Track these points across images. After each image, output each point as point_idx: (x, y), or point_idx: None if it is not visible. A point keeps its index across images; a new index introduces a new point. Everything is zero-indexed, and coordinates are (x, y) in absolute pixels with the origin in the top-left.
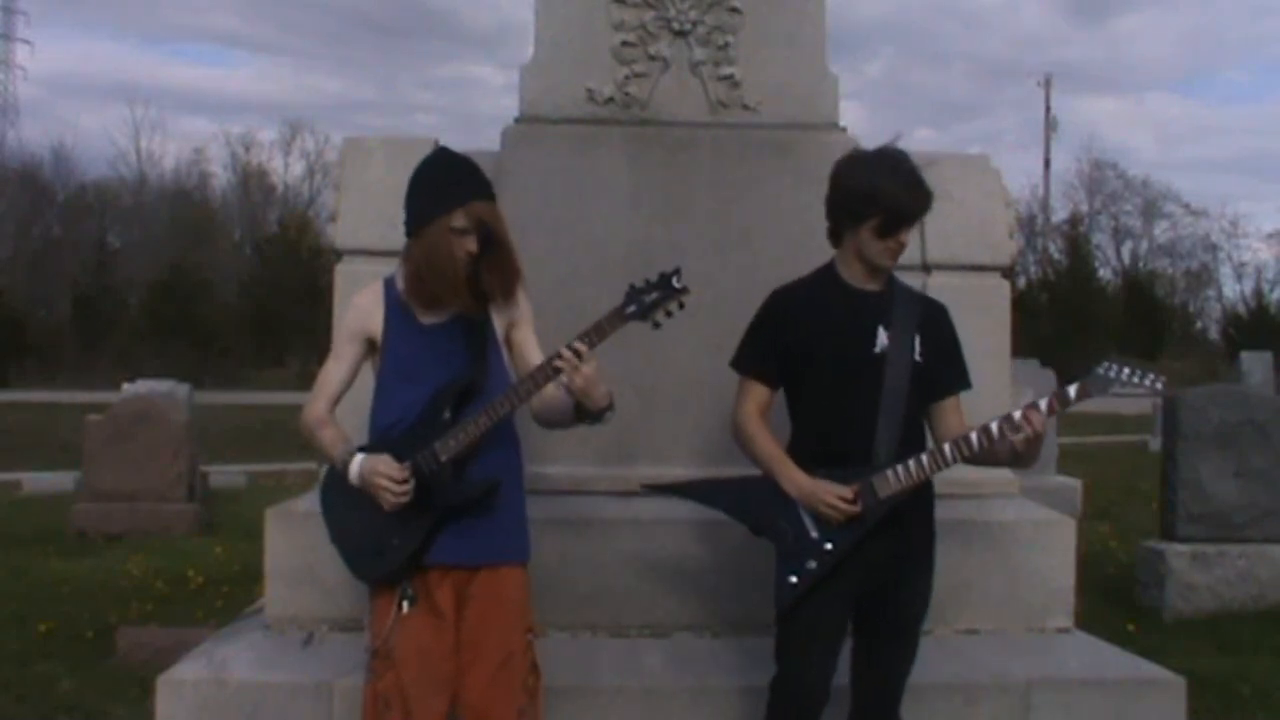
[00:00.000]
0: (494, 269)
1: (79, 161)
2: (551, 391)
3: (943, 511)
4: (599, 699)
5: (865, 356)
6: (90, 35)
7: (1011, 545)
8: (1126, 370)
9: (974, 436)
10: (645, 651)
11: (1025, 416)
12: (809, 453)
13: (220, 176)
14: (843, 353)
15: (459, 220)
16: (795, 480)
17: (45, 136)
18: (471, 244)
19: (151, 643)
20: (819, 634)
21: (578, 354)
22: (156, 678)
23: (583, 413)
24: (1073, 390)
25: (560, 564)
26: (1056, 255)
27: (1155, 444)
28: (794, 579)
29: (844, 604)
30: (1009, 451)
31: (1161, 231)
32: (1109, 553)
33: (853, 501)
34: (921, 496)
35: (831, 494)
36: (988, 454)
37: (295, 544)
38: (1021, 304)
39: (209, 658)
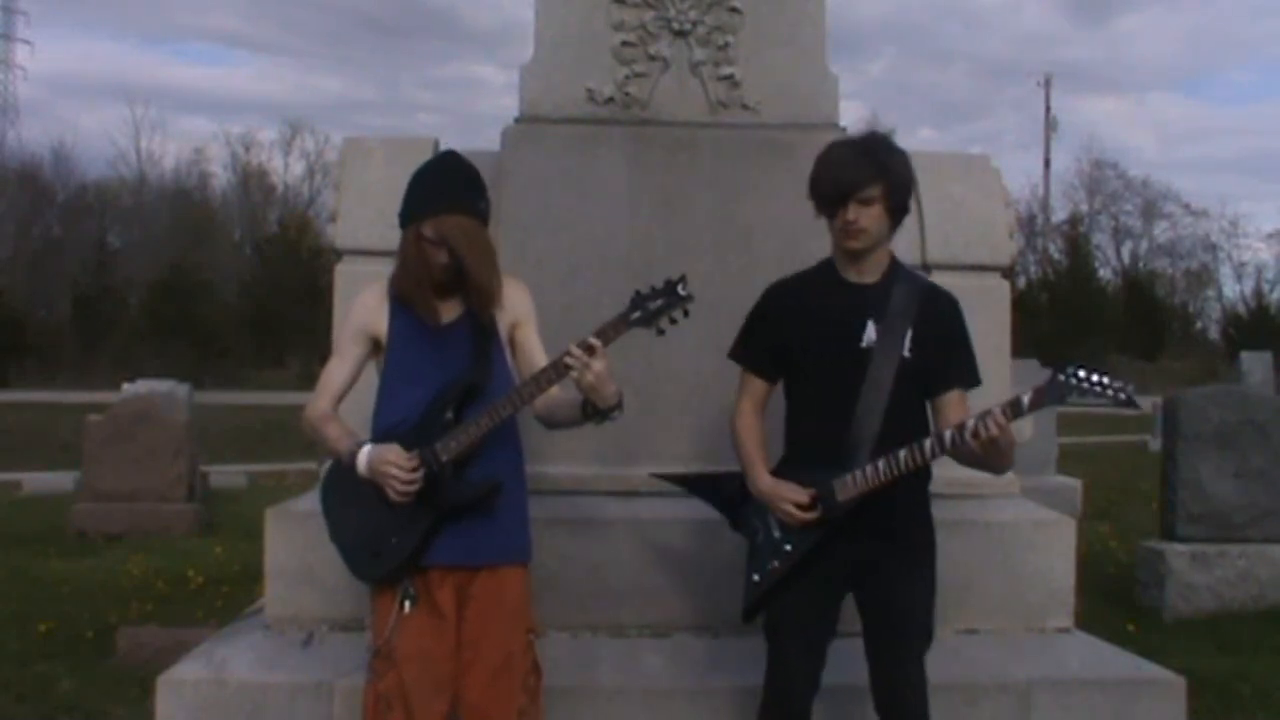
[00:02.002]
0: (468, 283)
1: (79, 161)
2: (557, 391)
3: (943, 512)
4: (599, 699)
5: (850, 351)
6: (90, 35)
7: (1011, 545)
8: (1094, 377)
9: (928, 443)
10: (645, 651)
11: (976, 426)
12: (796, 449)
13: (220, 176)
14: (830, 347)
15: (428, 230)
16: (758, 481)
17: (45, 136)
18: (442, 256)
19: (151, 643)
20: (796, 629)
21: (590, 349)
22: (156, 678)
23: (590, 411)
24: (1026, 398)
25: (560, 564)
26: (1056, 255)
27: (1155, 444)
28: (756, 577)
29: (824, 601)
30: (972, 454)
31: (1161, 231)
32: (1109, 553)
33: (810, 506)
34: (910, 500)
35: (787, 500)
36: (958, 455)
37: (295, 544)
38: (1021, 304)
39: (209, 658)
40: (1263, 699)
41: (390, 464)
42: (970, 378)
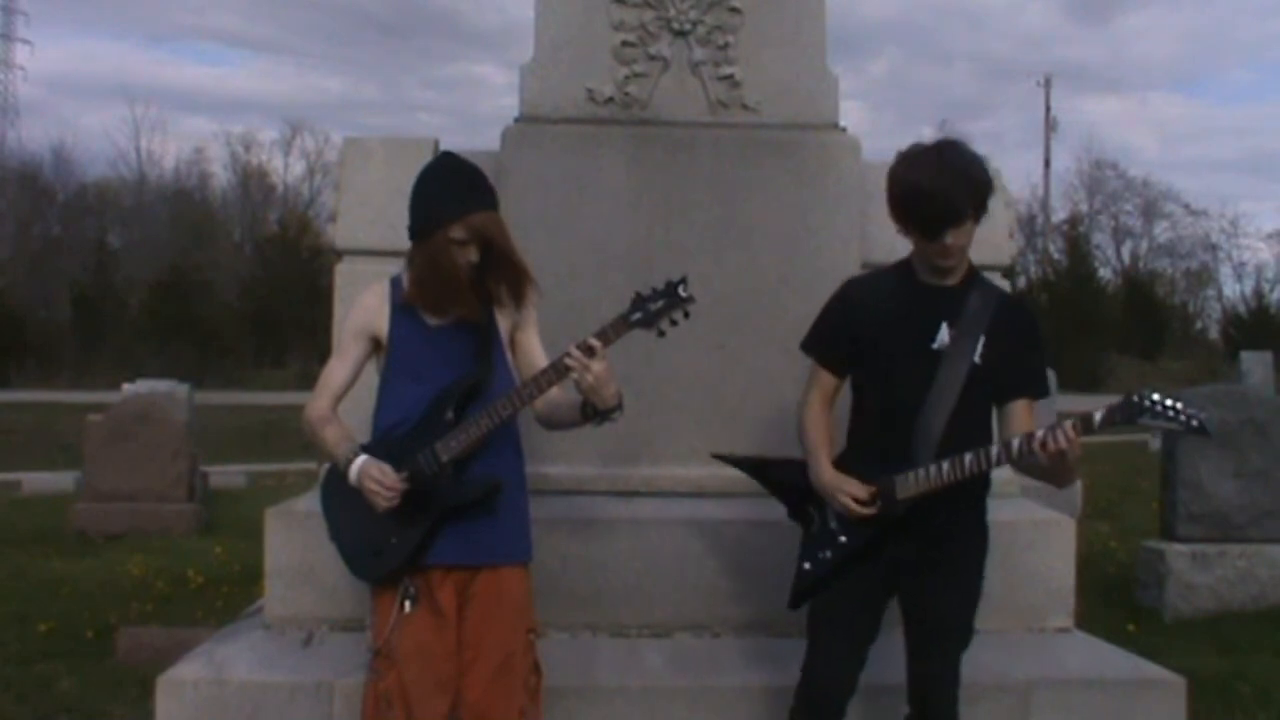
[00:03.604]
0: (500, 276)
1: (79, 161)
2: (557, 392)
3: None
4: (599, 699)
5: (922, 352)
6: (90, 35)
7: (1011, 545)
8: (1168, 401)
9: (994, 450)
10: (645, 651)
11: (1045, 438)
12: (858, 445)
13: (220, 176)
14: (900, 347)
15: (458, 232)
16: (820, 473)
17: (45, 136)
18: (473, 254)
19: (151, 643)
20: (837, 626)
21: (590, 351)
22: (156, 678)
23: (590, 412)
24: (1098, 415)
25: (560, 564)
26: (1056, 255)
27: (1155, 444)
28: (807, 565)
29: (869, 600)
30: (1037, 465)
31: (1161, 231)
32: (1109, 553)
33: (869, 501)
34: (963, 501)
35: (848, 490)
36: (1023, 465)
37: (295, 544)
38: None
39: (209, 658)
40: (1263, 699)
41: (371, 478)
42: (1039, 388)
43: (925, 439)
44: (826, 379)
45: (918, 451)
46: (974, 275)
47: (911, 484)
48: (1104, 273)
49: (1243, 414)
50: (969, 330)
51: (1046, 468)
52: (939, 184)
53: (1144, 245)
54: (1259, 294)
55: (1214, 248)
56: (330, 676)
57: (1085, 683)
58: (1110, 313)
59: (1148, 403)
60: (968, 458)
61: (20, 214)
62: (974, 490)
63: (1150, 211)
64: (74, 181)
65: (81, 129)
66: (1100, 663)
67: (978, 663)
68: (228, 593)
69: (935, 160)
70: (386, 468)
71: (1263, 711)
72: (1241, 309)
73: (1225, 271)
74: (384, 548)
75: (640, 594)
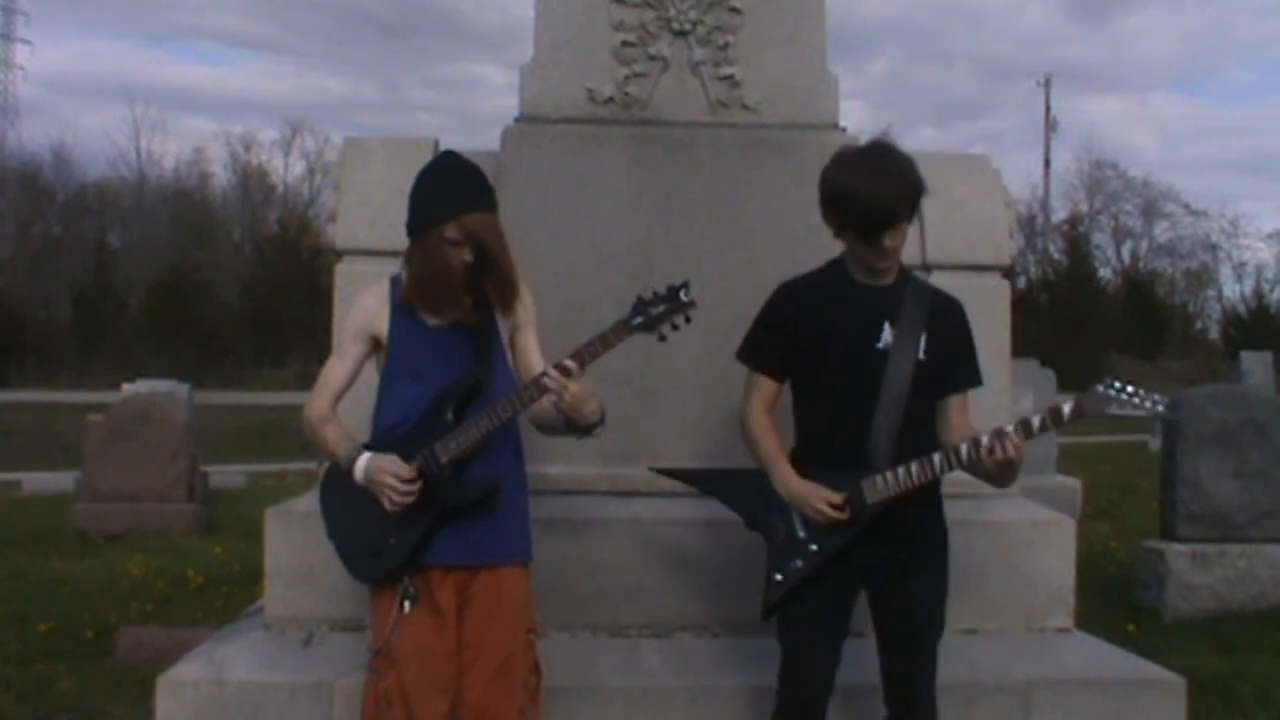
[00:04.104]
0: (490, 280)
1: (79, 161)
2: (543, 404)
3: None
4: (599, 699)
5: (869, 353)
6: (90, 35)
7: (1011, 545)
8: (1129, 390)
9: (964, 448)
10: (645, 651)
11: (996, 441)
12: (809, 450)
13: (220, 176)
14: (848, 349)
15: (452, 232)
16: (787, 482)
17: (45, 136)
18: (466, 255)
19: (151, 643)
20: (812, 629)
21: (566, 372)
22: (156, 678)
23: (572, 426)
24: (1067, 407)
25: (561, 564)
26: (1056, 255)
27: (1155, 444)
28: (779, 577)
29: (840, 601)
30: (983, 468)
31: (1161, 231)
32: (1109, 553)
33: (841, 507)
34: (925, 500)
35: (819, 500)
36: (975, 466)
37: (295, 544)
38: (1022, 304)
39: (209, 658)
40: (1263, 699)
41: (387, 473)
42: (974, 379)
43: (881, 440)
44: (767, 385)
45: (875, 453)
46: (905, 273)
47: (881, 487)
48: (1104, 273)
49: (1243, 414)
50: (910, 328)
51: (991, 472)
52: (875, 188)
53: (1144, 245)
54: (1259, 294)
55: (1214, 248)
56: (330, 676)
57: (1085, 683)
58: (1110, 313)
59: (1111, 390)
60: (937, 458)
61: (20, 214)
62: (933, 487)
63: (1150, 211)
64: (74, 181)
65: (81, 129)
66: (1100, 663)
67: (978, 663)
68: (228, 593)
69: (870, 164)
70: (395, 458)
71: (1263, 711)
72: (1241, 309)
73: (1225, 272)
74: (383, 548)
75: (640, 594)
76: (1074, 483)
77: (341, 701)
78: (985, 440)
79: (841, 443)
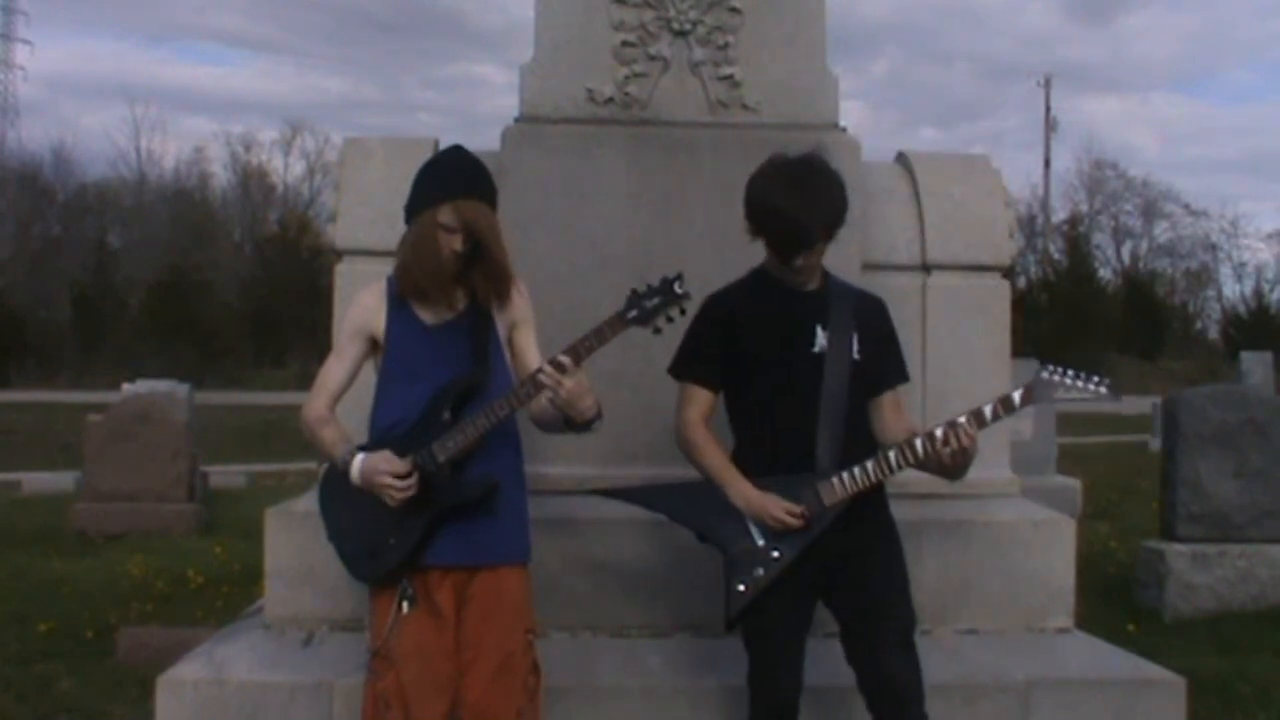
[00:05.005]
0: (481, 272)
1: (79, 161)
2: (541, 401)
3: (942, 512)
4: (599, 699)
5: (805, 357)
6: (91, 35)
7: (1011, 545)
8: (1070, 374)
9: (919, 442)
10: (645, 651)
11: (949, 432)
12: (752, 458)
13: (220, 176)
14: (784, 354)
15: (445, 215)
16: (743, 493)
17: (45, 136)
18: (457, 242)
19: (151, 643)
20: (776, 634)
21: (561, 368)
22: (156, 678)
23: (570, 423)
24: (1017, 395)
25: (560, 564)
26: (1056, 255)
27: (1155, 444)
28: (741, 587)
29: (801, 600)
30: (938, 462)
31: (1161, 231)
32: (1109, 553)
33: (800, 515)
34: (876, 495)
35: (780, 508)
36: (928, 460)
37: (295, 544)
38: (1022, 304)
39: (209, 658)
40: (1263, 699)
41: (382, 472)
42: (902, 375)
43: (826, 443)
44: (703, 396)
45: (822, 456)
46: (827, 275)
47: (839, 489)
48: (1104, 273)
49: (1243, 414)
50: (841, 330)
51: (946, 465)
52: (795, 210)
53: (1144, 245)
54: (1259, 294)
55: (1214, 248)
56: (330, 676)
57: (1085, 683)
58: (1110, 313)
59: (1055, 376)
60: (892, 454)
61: (20, 214)
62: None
63: (1150, 211)
64: (74, 181)
65: (81, 129)
66: (1100, 663)
67: (978, 663)
68: (228, 593)
69: (798, 182)
70: (388, 454)
71: (1263, 711)
72: (1241, 309)
73: (1225, 272)
74: (382, 549)
75: (640, 594)
76: (1074, 483)
77: (341, 701)
78: (939, 432)
79: (786, 448)
